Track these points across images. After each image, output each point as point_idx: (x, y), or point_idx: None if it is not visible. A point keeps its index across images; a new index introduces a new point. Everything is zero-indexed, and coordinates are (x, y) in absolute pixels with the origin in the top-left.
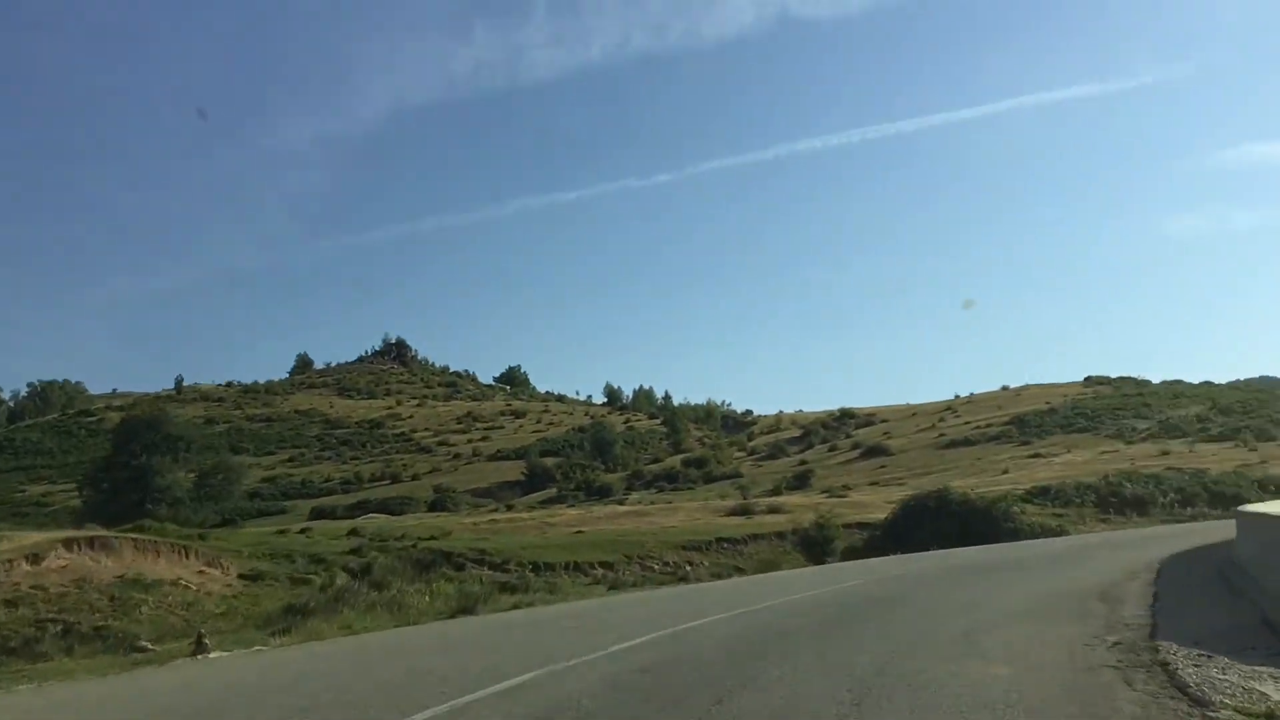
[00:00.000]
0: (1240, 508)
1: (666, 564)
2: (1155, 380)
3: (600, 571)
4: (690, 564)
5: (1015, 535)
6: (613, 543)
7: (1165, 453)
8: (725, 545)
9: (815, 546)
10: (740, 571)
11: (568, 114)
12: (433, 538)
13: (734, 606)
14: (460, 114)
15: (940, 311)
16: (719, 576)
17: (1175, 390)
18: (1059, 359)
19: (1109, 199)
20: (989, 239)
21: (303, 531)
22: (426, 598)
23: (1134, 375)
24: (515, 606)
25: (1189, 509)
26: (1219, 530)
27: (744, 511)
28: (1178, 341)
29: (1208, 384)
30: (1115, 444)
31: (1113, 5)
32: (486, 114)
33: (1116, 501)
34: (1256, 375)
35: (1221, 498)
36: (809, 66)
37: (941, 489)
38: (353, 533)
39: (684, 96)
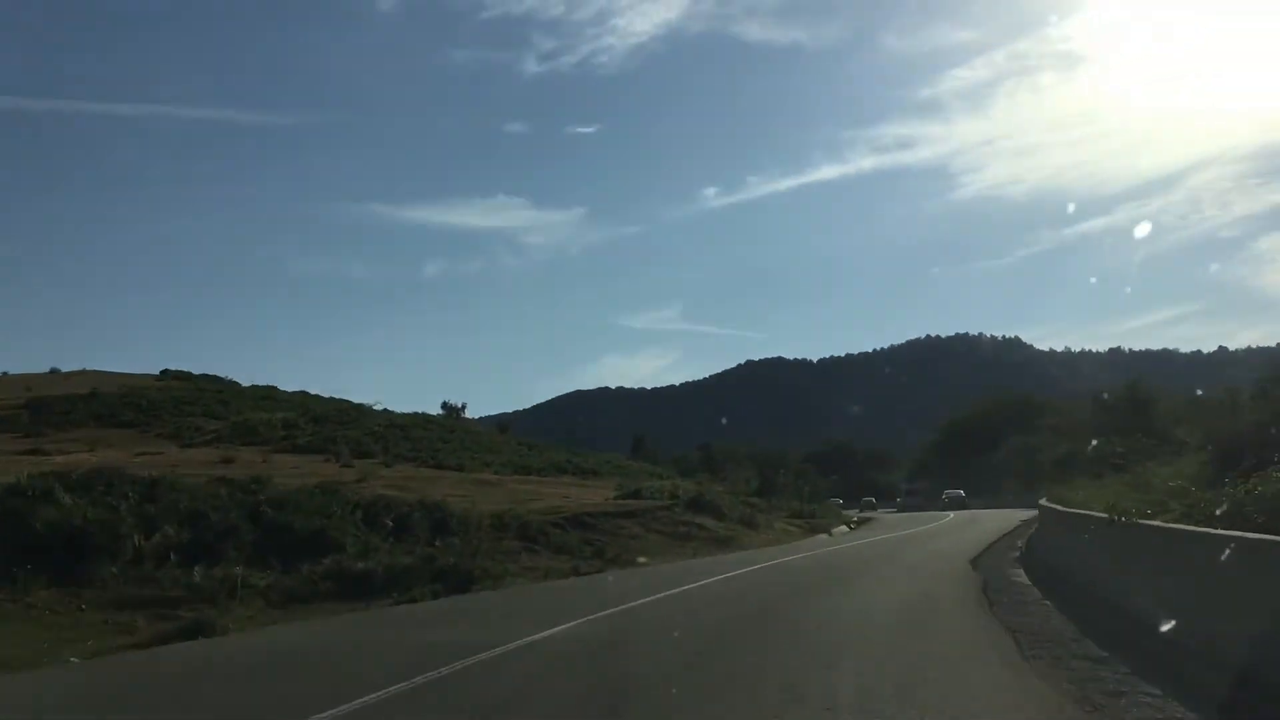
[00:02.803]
0: None
1: None
2: (246, 384)
3: None
4: None
5: None
6: None
7: (229, 460)
8: None
9: None
10: None
11: None
12: None
13: None
14: None
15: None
16: None
17: (266, 394)
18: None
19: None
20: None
21: None
22: None
23: (224, 375)
24: None
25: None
26: None
27: None
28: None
29: (304, 393)
30: (167, 445)
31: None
32: None
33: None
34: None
35: (288, 532)
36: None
37: None
38: None
39: None
